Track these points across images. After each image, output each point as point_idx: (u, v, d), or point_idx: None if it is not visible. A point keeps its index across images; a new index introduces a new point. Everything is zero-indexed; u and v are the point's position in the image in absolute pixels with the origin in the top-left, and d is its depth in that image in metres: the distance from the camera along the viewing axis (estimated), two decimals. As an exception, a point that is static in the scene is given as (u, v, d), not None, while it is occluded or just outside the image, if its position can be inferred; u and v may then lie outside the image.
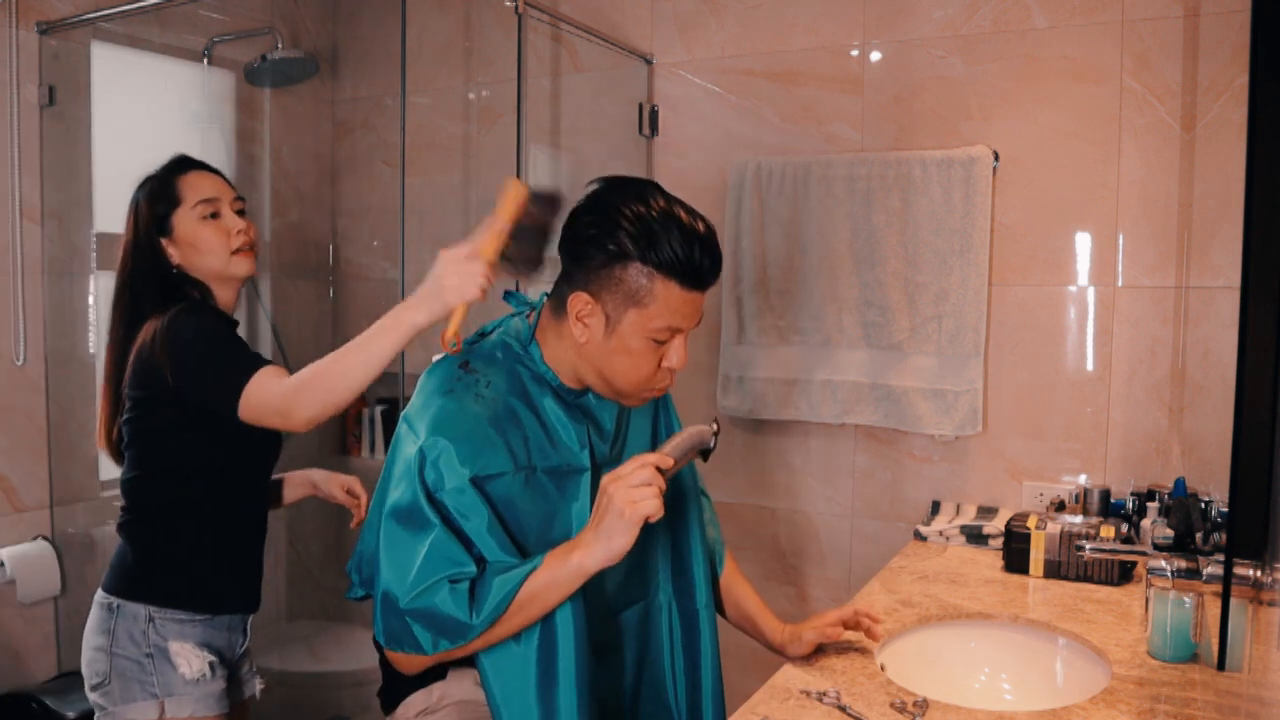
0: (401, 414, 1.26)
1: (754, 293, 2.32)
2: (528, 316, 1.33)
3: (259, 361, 1.51)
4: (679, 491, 1.39)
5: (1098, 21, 2.02)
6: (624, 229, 1.16)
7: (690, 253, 1.16)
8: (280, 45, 2.63)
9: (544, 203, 1.26)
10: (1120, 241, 2.03)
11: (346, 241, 3.06)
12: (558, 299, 1.25)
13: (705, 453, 1.20)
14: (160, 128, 2.60)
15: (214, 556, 1.64)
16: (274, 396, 1.46)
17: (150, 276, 1.63)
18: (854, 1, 2.26)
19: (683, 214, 1.17)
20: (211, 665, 1.60)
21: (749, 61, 2.39)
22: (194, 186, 1.65)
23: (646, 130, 2.51)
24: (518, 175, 2.11)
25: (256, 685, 1.77)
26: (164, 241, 1.63)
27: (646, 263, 1.16)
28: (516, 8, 2.10)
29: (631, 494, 1.11)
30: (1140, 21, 1.98)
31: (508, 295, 1.36)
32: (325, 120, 3.04)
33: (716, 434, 1.20)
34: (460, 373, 1.25)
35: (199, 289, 1.65)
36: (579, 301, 1.20)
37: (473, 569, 1.17)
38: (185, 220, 1.63)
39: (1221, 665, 1.15)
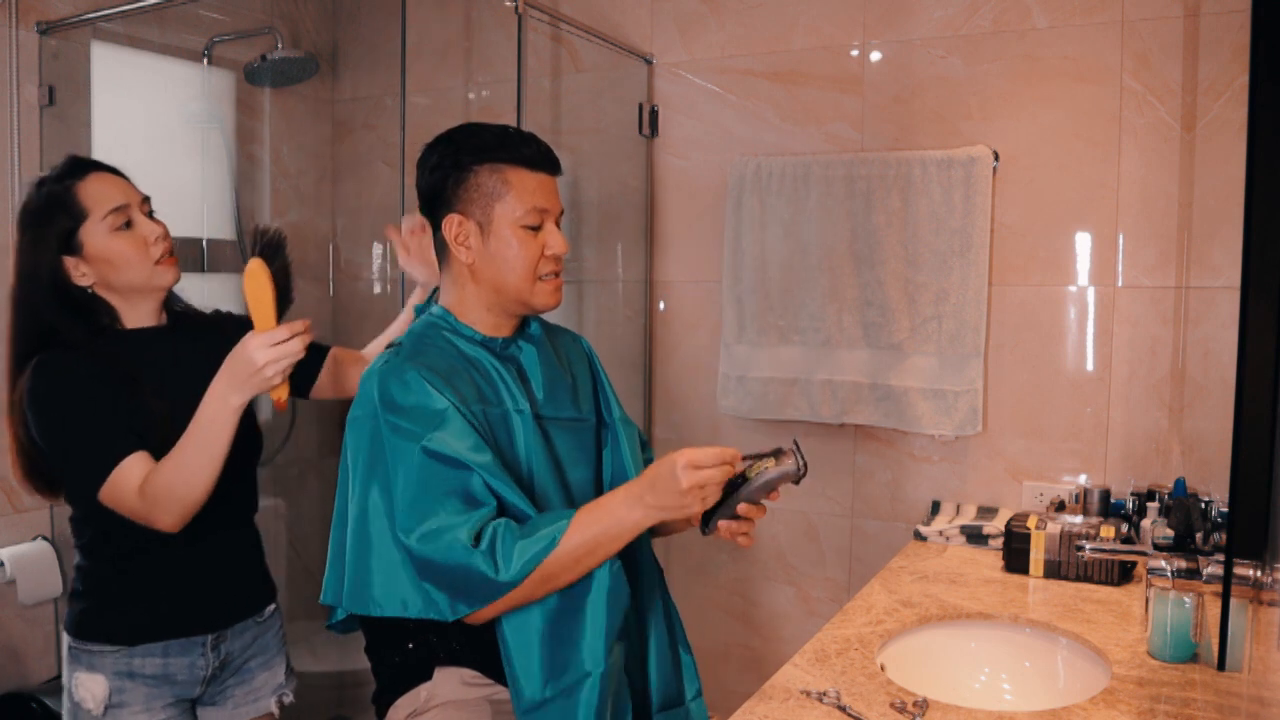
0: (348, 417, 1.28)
1: (754, 293, 2.32)
2: (434, 300, 1.40)
3: (124, 448, 1.38)
4: (611, 421, 1.45)
5: (1098, 21, 2.02)
6: (463, 145, 1.30)
7: (523, 142, 1.31)
8: (280, 45, 2.63)
9: (274, 250, 1.42)
10: (1120, 241, 2.03)
11: (346, 241, 3.06)
12: (438, 250, 1.35)
13: (797, 479, 1.24)
14: (160, 128, 2.60)
15: (129, 587, 1.51)
16: (134, 502, 1.37)
17: (51, 302, 1.44)
18: (854, 1, 2.26)
19: (505, 126, 1.33)
20: (115, 696, 1.48)
21: (749, 61, 2.39)
22: (98, 195, 1.45)
23: (646, 130, 2.51)
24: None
25: (271, 705, 1.65)
26: (70, 261, 1.45)
27: (491, 159, 1.29)
28: (516, 8, 2.10)
29: (705, 491, 1.15)
30: (1140, 21, 1.98)
31: (418, 308, 1.43)
32: (325, 120, 3.04)
33: (801, 468, 1.23)
34: (389, 354, 1.29)
35: (108, 312, 1.48)
36: (451, 225, 1.30)
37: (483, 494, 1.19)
38: (95, 235, 1.44)
39: (1221, 665, 1.14)
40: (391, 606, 1.20)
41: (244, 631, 1.61)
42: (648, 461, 1.54)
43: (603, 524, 1.18)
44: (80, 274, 1.46)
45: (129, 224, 1.47)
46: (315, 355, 1.70)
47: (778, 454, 1.21)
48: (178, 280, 1.53)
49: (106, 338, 1.48)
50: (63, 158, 1.50)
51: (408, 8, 2.70)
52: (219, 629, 1.56)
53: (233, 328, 1.57)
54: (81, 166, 1.48)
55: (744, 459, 1.21)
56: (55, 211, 1.44)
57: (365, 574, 1.21)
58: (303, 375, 1.67)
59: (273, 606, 1.70)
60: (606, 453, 1.42)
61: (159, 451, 1.41)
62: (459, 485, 1.19)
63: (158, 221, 1.51)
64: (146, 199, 1.52)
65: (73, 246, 1.44)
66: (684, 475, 1.14)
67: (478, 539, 1.16)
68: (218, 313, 1.70)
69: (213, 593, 1.55)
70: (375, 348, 1.80)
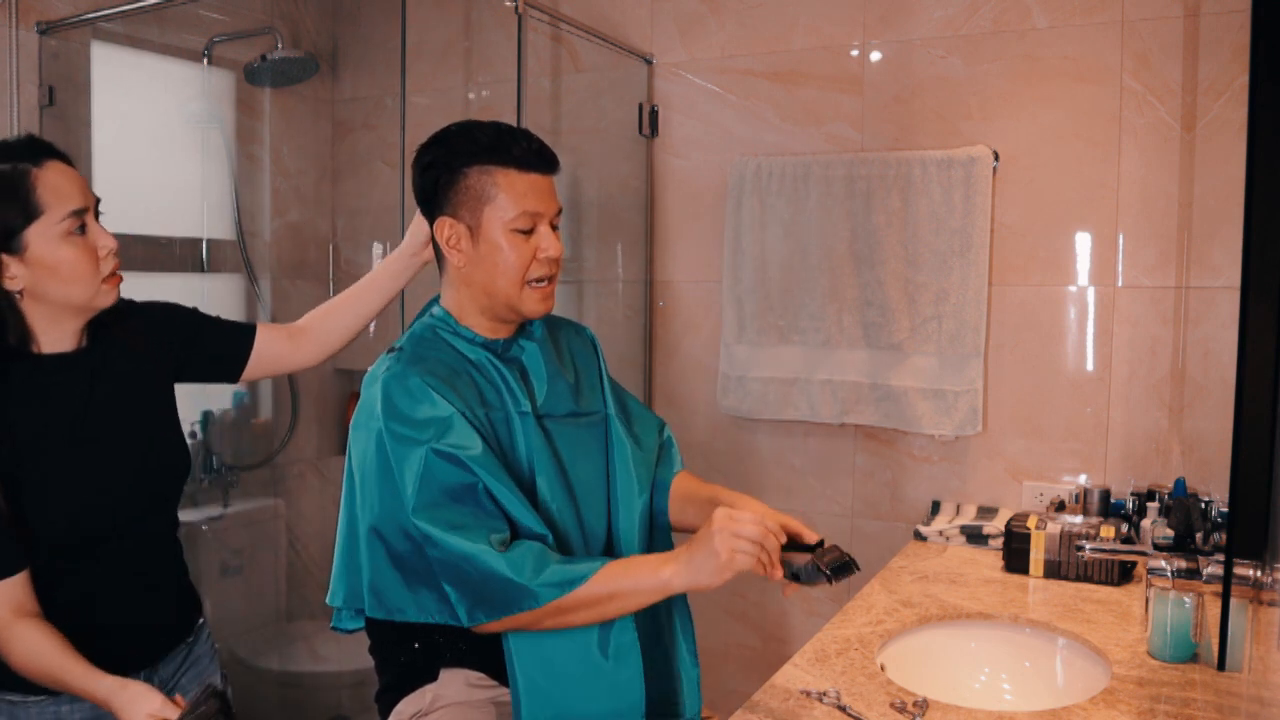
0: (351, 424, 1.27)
1: (754, 293, 2.32)
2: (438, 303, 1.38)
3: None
4: (607, 417, 1.43)
5: (1098, 21, 2.02)
6: (454, 146, 1.27)
7: (514, 140, 1.26)
8: (280, 45, 2.63)
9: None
10: (1120, 241, 2.03)
11: (346, 241, 3.06)
12: (435, 253, 1.34)
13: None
14: (160, 128, 2.60)
15: None
16: None
17: None
18: (854, 1, 2.26)
19: (500, 123, 1.29)
20: None
21: (749, 61, 2.39)
22: (59, 192, 1.24)
23: (646, 130, 2.51)
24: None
25: None
26: (4, 259, 1.23)
27: (481, 161, 1.25)
28: (516, 8, 2.10)
29: (736, 543, 1.13)
30: (1140, 21, 1.98)
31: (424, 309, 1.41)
32: (325, 120, 3.04)
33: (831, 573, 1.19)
34: (390, 358, 1.27)
35: (19, 330, 1.26)
36: (443, 227, 1.28)
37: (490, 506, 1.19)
38: (45, 238, 1.23)
39: (1221, 665, 1.15)
40: (410, 612, 1.20)
41: (176, 655, 1.47)
42: (663, 446, 1.53)
43: (632, 576, 1.17)
44: (10, 277, 1.24)
45: (82, 229, 1.27)
46: (241, 339, 1.54)
47: (832, 574, 1.20)
48: (116, 302, 1.34)
49: (11, 366, 1.26)
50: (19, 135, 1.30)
51: (408, 8, 2.69)
52: (149, 665, 1.41)
53: (166, 330, 1.44)
54: (42, 150, 1.27)
55: (812, 552, 1.22)
56: (5, 200, 1.22)
57: (382, 580, 1.21)
58: (230, 360, 1.53)
59: (200, 620, 1.54)
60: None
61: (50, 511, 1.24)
62: (470, 490, 1.18)
63: (106, 231, 1.31)
64: (98, 201, 1.32)
65: (13, 245, 1.23)
66: (721, 519, 1.13)
67: (504, 546, 1.16)
68: (154, 313, 1.47)
69: (139, 630, 1.38)
70: (335, 306, 1.62)
